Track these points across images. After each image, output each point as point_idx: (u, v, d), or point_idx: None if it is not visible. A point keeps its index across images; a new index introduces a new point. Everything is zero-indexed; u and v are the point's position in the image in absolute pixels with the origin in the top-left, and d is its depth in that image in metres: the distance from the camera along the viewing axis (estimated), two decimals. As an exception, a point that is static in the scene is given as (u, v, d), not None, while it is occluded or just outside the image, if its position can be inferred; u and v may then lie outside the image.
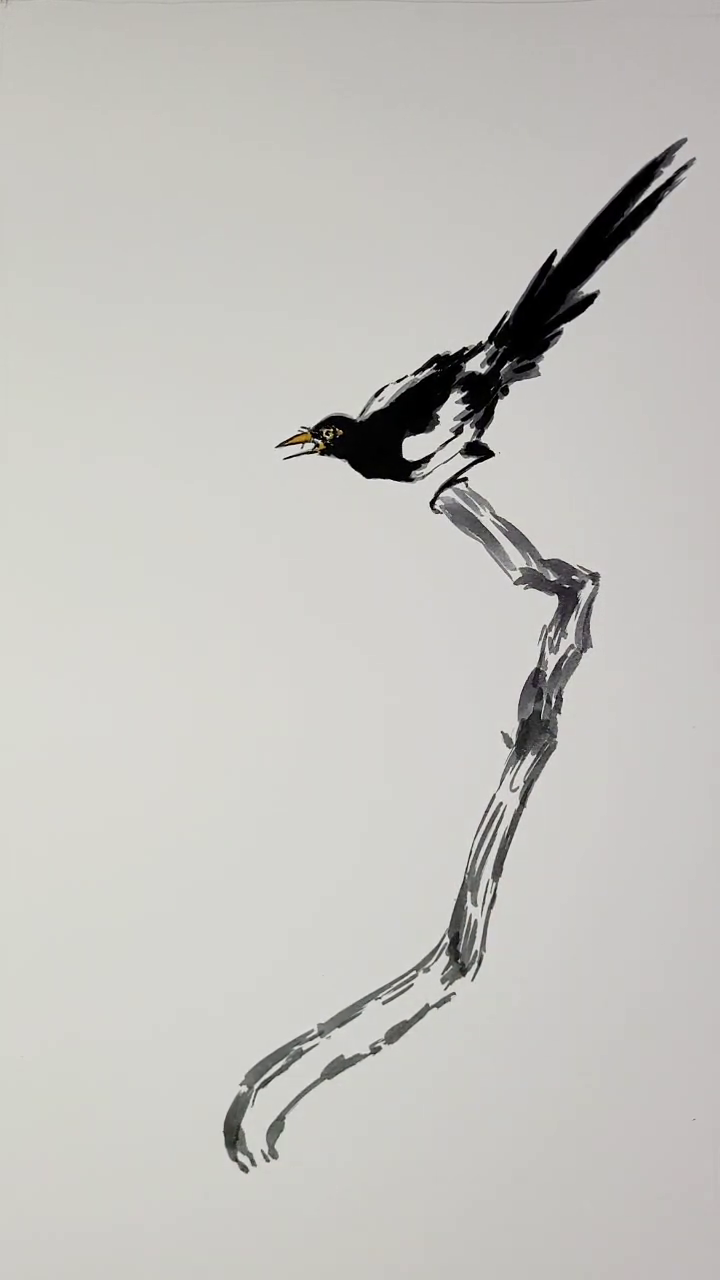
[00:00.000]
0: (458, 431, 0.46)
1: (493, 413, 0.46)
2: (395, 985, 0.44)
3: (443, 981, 0.44)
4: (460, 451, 0.46)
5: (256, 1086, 0.43)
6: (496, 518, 0.46)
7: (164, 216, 0.48)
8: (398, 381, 0.47)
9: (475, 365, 0.46)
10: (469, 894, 0.44)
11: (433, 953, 0.44)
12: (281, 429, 0.47)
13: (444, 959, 0.44)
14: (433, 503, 0.46)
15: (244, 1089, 0.44)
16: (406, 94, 0.48)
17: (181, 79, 0.48)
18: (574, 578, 0.46)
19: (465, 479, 0.46)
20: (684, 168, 0.47)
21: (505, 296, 0.47)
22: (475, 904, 0.44)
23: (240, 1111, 0.43)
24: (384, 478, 0.46)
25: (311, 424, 0.46)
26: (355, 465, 0.46)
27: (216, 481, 0.46)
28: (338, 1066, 0.44)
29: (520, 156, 0.47)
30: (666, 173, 0.47)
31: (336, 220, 0.48)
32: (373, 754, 0.45)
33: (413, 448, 0.46)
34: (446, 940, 0.44)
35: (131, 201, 0.48)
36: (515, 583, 0.46)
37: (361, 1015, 0.44)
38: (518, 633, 0.45)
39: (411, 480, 0.46)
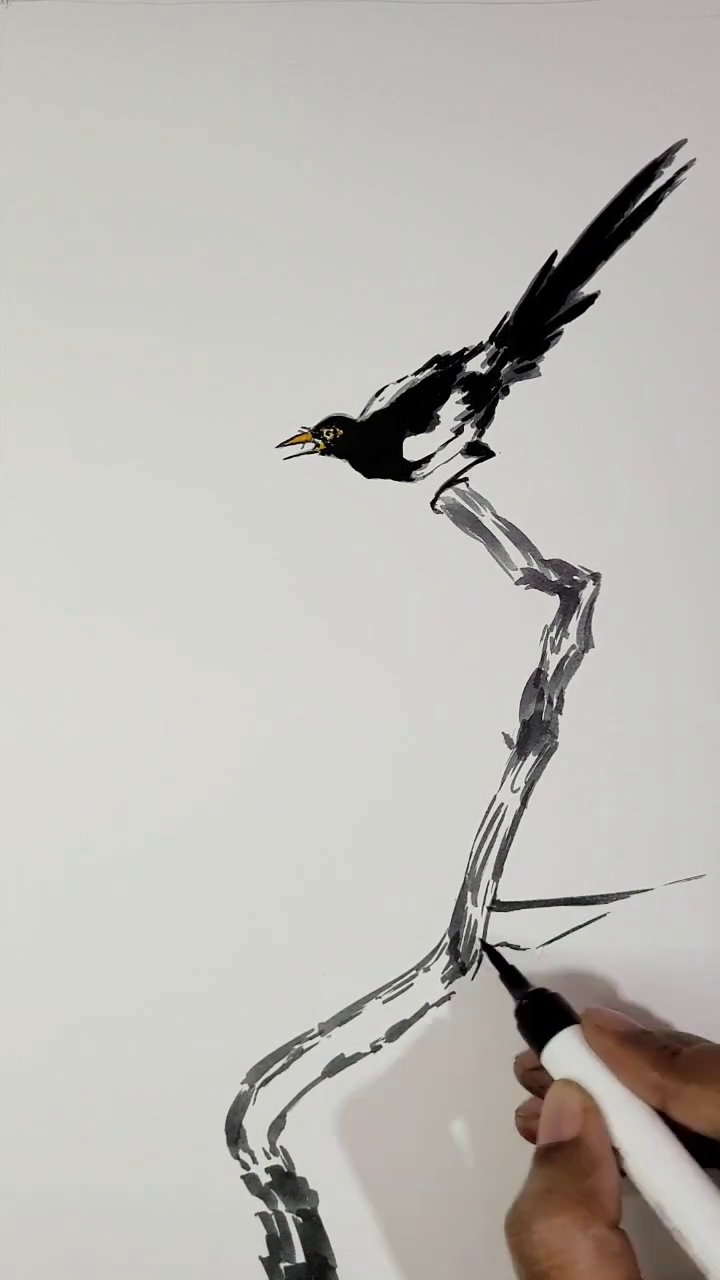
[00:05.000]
0: (458, 431, 0.46)
1: (493, 413, 0.46)
2: (395, 984, 0.44)
3: (443, 981, 0.44)
4: (461, 452, 0.46)
5: (258, 1085, 0.44)
6: (497, 518, 0.46)
7: (164, 217, 0.48)
8: (398, 381, 0.47)
9: (476, 365, 0.47)
10: (469, 894, 0.44)
11: (433, 952, 0.44)
12: (281, 429, 0.47)
13: (444, 959, 0.44)
14: (433, 503, 0.46)
15: (245, 1087, 0.44)
16: (407, 94, 0.48)
17: (183, 81, 0.48)
18: (575, 578, 0.46)
19: (466, 479, 0.46)
20: (684, 168, 0.47)
21: (506, 297, 0.47)
22: (475, 904, 0.44)
23: (242, 1110, 0.43)
24: (384, 478, 0.47)
25: (312, 424, 0.46)
26: (356, 465, 0.46)
27: (216, 481, 0.47)
28: (338, 1065, 0.44)
29: (520, 157, 0.48)
30: (667, 173, 0.47)
31: (337, 221, 0.48)
32: (373, 754, 0.45)
33: (413, 448, 0.46)
34: (446, 940, 0.44)
35: (131, 203, 0.48)
36: (516, 583, 0.46)
37: (362, 1014, 0.44)
38: (519, 633, 0.45)
39: (412, 480, 0.46)
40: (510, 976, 0.41)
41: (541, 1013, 0.39)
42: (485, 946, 0.42)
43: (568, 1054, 0.37)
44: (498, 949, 0.42)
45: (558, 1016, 0.38)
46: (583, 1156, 0.34)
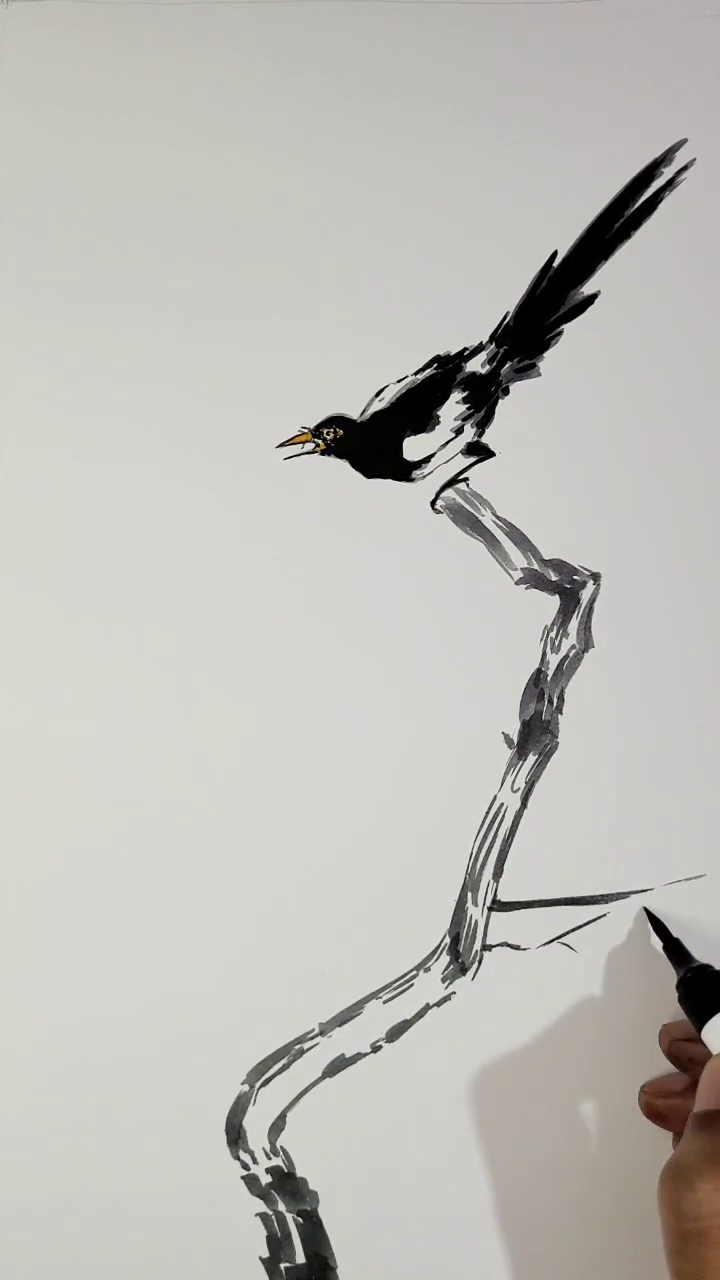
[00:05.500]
0: (458, 431, 0.46)
1: (493, 413, 0.46)
2: (396, 985, 0.44)
3: (443, 981, 0.44)
4: (461, 451, 0.46)
5: (258, 1085, 0.44)
6: (497, 518, 0.46)
7: (164, 217, 0.48)
8: (398, 381, 0.47)
9: (476, 365, 0.47)
10: (469, 894, 0.44)
11: (433, 953, 0.44)
12: (282, 429, 0.47)
13: (444, 959, 0.44)
14: (433, 503, 0.46)
15: (245, 1088, 0.44)
16: (407, 95, 0.48)
17: (183, 81, 0.48)
18: (575, 578, 0.46)
19: (466, 479, 0.46)
20: (684, 168, 0.47)
21: (506, 297, 0.47)
22: (475, 904, 0.44)
23: (242, 1110, 0.43)
24: (385, 478, 0.47)
25: (312, 424, 0.46)
26: (356, 465, 0.46)
27: (216, 481, 0.47)
28: (339, 1065, 0.44)
29: (520, 157, 0.48)
30: (667, 173, 0.47)
31: (337, 221, 0.48)
32: (373, 754, 0.45)
33: (413, 448, 0.47)
34: (447, 940, 0.44)
35: (131, 203, 0.48)
36: (516, 583, 0.46)
37: (362, 1014, 0.44)
38: (519, 633, 0.45)
39: (412, 480, 0.46)
40: (674, 950, 0.41)
41: (706, 988, 0.39)
42: (649, 915, 0.43)
43: None
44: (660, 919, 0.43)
45: None
46: None
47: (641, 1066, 0.43)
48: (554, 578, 0.46)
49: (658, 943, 0.42)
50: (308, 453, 0.46)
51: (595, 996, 0.43)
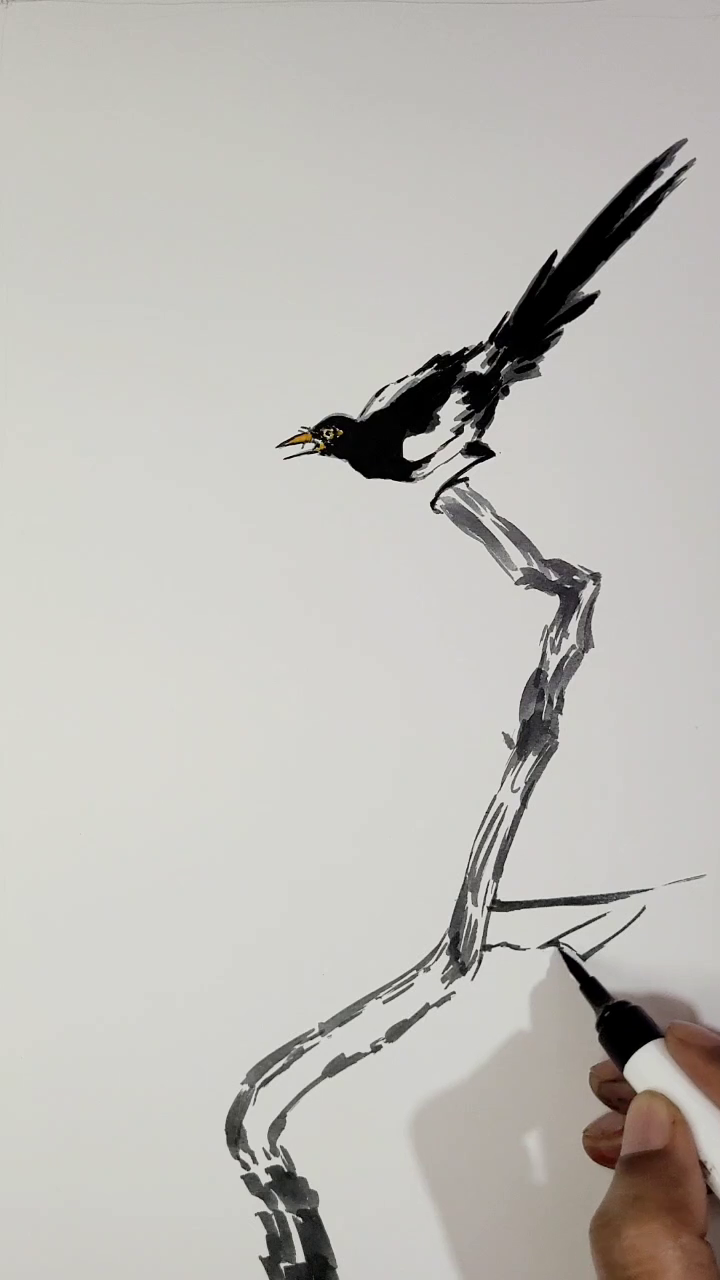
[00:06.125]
0: (458, 431, 0.46)
1: (493, 413, 0.46)
2: (396, 985, 0.44)
3: (443, 981, 0.44)
4: (461, 451, 0.46)
5: (258, 1085, 0.44)
6: (497, 518, 0.46)
7: (164, 217, 0.48)
8: (398, 381, 0.47)
9: (476, 365, 0.47)
10: (469, 894, 0.44)
11: (433, 953, 0.44)
12: (281, 429, 0.47)
13: (444, 959, 0.44)
14: (433, 503, 0.46)
15: (245, 1088, 0.44)
16: (407, 94, 0.48)
17: (183, 81, 0.48)
18: (575, 578, 0.46)
19: (466, 479, 0.46)
20: (684, 168, 0.47)
21: (505, 297, 0.47)
22: (475, 904, 0.44)
23: (242, 1110, 0.43)
24: (385, 478, 0.47)
25: (312, 424, 0.46)
26: (356, 465, 0.46)
27: (216, 481, 0.47)
28: (339, 1065, 0.44)
29: (520, 157, 0.48)
30: (667, 173, 0.47)
31: (337, 220, 0.48)
32: (373, 754, 0.45)
33: (413, 448, 0.47)
34: (447, 940, 0.44)
35: (131, 202, 0.48)
36: (516, 583, 0.46)
37: (362, 1014, 0.44)
38: (519, 633, 0.45)
39: (412, 480, 0.47)
40: (591, 988, 0.41)
41: (624, 1025, 0.39)
42: (565, 957, 0.42)
43: (652, 1068, 0.37)
44: (578, 960, 0.42)
45: (641, 1029, 0.38)
46: (672, 1166, 0.34)
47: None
48: (554, 578, 0.46)
49: (573, 982, 0.41)
50: (308, 453, 0.46)
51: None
